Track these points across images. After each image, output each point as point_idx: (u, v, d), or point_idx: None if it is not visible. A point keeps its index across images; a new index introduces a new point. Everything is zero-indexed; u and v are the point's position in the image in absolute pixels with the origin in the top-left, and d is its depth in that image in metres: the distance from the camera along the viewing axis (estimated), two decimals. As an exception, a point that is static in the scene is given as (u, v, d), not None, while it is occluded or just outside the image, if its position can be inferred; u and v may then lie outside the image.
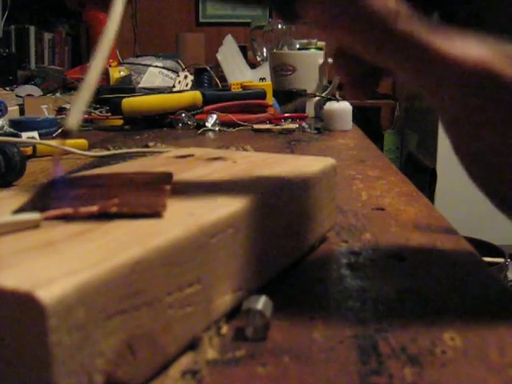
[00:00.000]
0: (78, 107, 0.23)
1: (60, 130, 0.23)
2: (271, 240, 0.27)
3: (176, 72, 1.41)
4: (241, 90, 1.18)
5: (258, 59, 1.83)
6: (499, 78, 0.24)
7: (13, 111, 0.93)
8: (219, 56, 1.53)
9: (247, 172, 0.31)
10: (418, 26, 0.24)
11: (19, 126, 0.76)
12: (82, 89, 0.24)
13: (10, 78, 1.45)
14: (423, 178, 2.11)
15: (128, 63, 1.53)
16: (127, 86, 1.20)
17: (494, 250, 1.53)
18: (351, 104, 0.96)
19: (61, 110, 1.01)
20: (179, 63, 1.63)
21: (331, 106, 0.95)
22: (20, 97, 1.09)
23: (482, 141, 0.26)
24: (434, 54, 0.24)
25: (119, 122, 0.99)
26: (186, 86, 1.28)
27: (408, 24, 0.24)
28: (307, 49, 1.41)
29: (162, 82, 1.44)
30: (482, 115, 0.25)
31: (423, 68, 0.25)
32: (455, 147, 0.28)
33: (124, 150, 0.71)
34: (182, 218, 0.22)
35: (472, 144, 0.27)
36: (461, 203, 1.96)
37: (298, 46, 1.43)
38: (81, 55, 2.49)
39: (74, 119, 0.23)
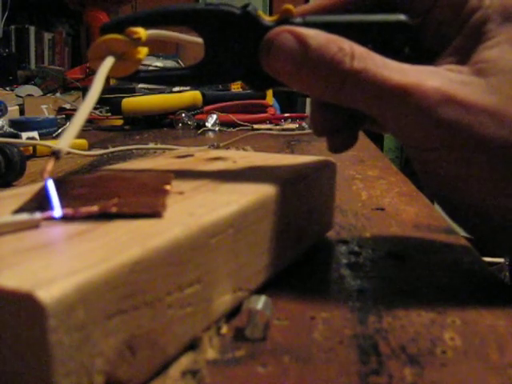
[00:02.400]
0: (70, 133, 0.24)
1: (51, 153, 0.23)
2: (271, 240, 0.27)
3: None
4: (241, 90, 1.18)
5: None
6: (459, 103, 0.25)
7: (13, 111, 0.93)
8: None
9: (247, 172, 0.31)
10: (371, 63, 0.26)
11: (19, 125, 0.76)
12: (77, 116, 0.25)
13: (10, 78, 1.45)
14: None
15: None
16: (127, 86, 1.20)
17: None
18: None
19: (61, 110, 1.01)
20: (179, 63, 1.63)
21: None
22: (20, 97, 1.10)
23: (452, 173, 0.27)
24: (389, 87, 0.25)
25: (119, 122, 1.00)
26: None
27: (362, 62, 0.26)
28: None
29: (162, 81, 1.44)
30: (445, 142, 0.26)
31: (382, 102, 0.26)
32: (424, 180, 0.29)
33: (124, 147, 0.71)
34: (182, 218, 0.22)
35: (445, 179, 0.27)
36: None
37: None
38: (81, 55, 2.49)
39: (65, 142, 0.24)
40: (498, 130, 0.25)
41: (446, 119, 0.25)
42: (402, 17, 0.29)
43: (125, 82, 1.18)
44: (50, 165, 0.23)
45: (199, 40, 0.31)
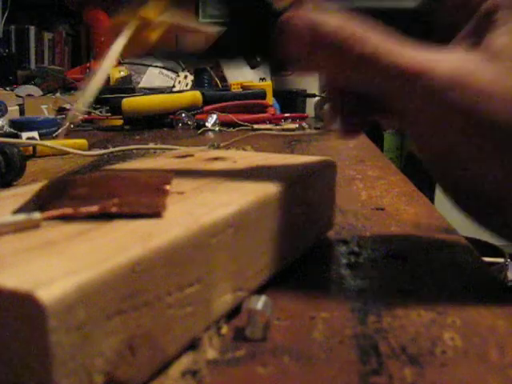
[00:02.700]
0: (87, 94, 0.24)
1: (67, 114, 0.24)
2: (271, 240, 0.27)
3: (176, 72, 1.41)
4: (241, 90, 1.18)
5: (258, 59, 1.83)
6: (469, 87, 0.25)
7: (13, 111, 0.93)
8: (219, 56, 1.52)
9: (247, 172, 0.31)
10: (383, 47, 0.26)
11: (19, 125, 0.76)
12: (94, 78, 0.25)
13: (10, 78, 1.45)
14: (423, 177, 2.10)
15: (128, 63, 1.53)
16: (127, 86, 1.20)
17: (494, 250, 1.53)
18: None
19: (61, 110, 1.01)
20: (179, 63, 1.63)
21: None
22: (20, 97, 1.09)
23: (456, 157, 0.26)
24: (399, 70, 0.26)
25: (119, 122, 0.99)
26: (186, 86, 1.28)
27: (374, 47, 0.26)
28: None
29: (162, 82, 1.45)
30: (454, 126, 0.26)
31: (393, 86, 0.26)
32: (429, 165, 0.29)
33: (124, 147, 0.71)
34: (182, 218, 0.22)
35: (451, 165, 0.27)
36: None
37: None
38: (81, 55, 2.49)
39: (82, 103, 0.24)
40: (509, 115, 0.25)
41: (457, 103, 0.25)
42: (414, 4, 0.29)
43: (140, 59, 1.20)
44: (72, 117, 0.24)
45: (210, 29, 0.31)
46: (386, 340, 0.23)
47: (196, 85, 1.32)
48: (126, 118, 0.99)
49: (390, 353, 0.22)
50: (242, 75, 1.48)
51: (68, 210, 0.22)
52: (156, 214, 0.22)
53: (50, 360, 0.15)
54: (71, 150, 0.67)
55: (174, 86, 1.28)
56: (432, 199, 2.07)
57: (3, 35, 2.04)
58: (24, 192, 0.26)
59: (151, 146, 0.72)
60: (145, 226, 0.21)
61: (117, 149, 0.70)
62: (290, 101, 1.19)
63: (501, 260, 1.48)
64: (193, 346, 0.22)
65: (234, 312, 0.24)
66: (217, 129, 0.93)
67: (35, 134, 0.70)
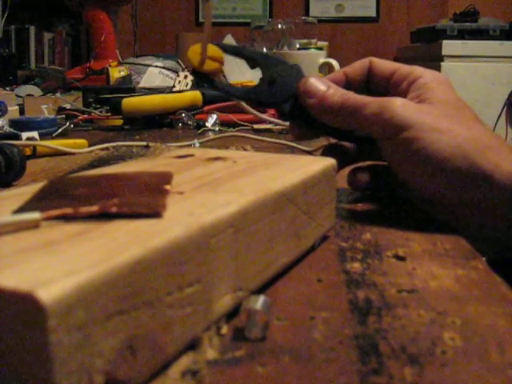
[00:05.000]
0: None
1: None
2: (271, 240, 0.27)
3: (176, 72, 1.41)
4: (241, 89, 1.17)
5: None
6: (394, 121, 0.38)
7: (13, 111, 0.93)
8: (219, 56, 1.53)
9: (247, 172, 0.31)
10: (350, 99, 0.40)
11: (19, 125, 0.76)
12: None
13: (10, 78, 1.45)
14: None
15: (128, 63, 1.53)
16: (127, 86, 1.20)
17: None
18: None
19: (61, 110, 1.01)
20: (179, 63, 1.63)
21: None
22: (20, 97, 1.09)
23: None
24: (360, 111, 0.39)
25: (119, 122, 0.99)
26: (186, 86, 1.28)
27: (347, 100, 0.40)
28: (307, 48, 1.41)
29: (162, 82, 1.44)
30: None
31: (358, 124, 0.40)
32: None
33: (124, 146, 0.71)
34: (182, 218, 0.22)
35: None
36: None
37: (297, 45, 1.43)
38: (81, 55, 2.49)
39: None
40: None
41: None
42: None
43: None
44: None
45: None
46: (386, 340, 0.23)
47: (196, 85, 1.31)
48: (126, 117, 0.98)
49: (390, 353, 0.22)
50: (242, 75, 1.48)
51: (68, 210, 0.22)
52: (156, 213, 0.22)
53: (50, 360, 0.15)
54: (71, 150, 0.67)
55: (174, 86, 1.27)
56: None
57: (3, 35, 2.04)
58: (24, 192, 0.26)
59: (150, 143, 0.72)
60: (145, 226, 0.21)
61: (116, 144, 0.71)
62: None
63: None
64: (193, 346, 0.22)
65: (234, 312, 0.24)
66: (217, 129, 0.93)
67: (35, 133, 0.70)
